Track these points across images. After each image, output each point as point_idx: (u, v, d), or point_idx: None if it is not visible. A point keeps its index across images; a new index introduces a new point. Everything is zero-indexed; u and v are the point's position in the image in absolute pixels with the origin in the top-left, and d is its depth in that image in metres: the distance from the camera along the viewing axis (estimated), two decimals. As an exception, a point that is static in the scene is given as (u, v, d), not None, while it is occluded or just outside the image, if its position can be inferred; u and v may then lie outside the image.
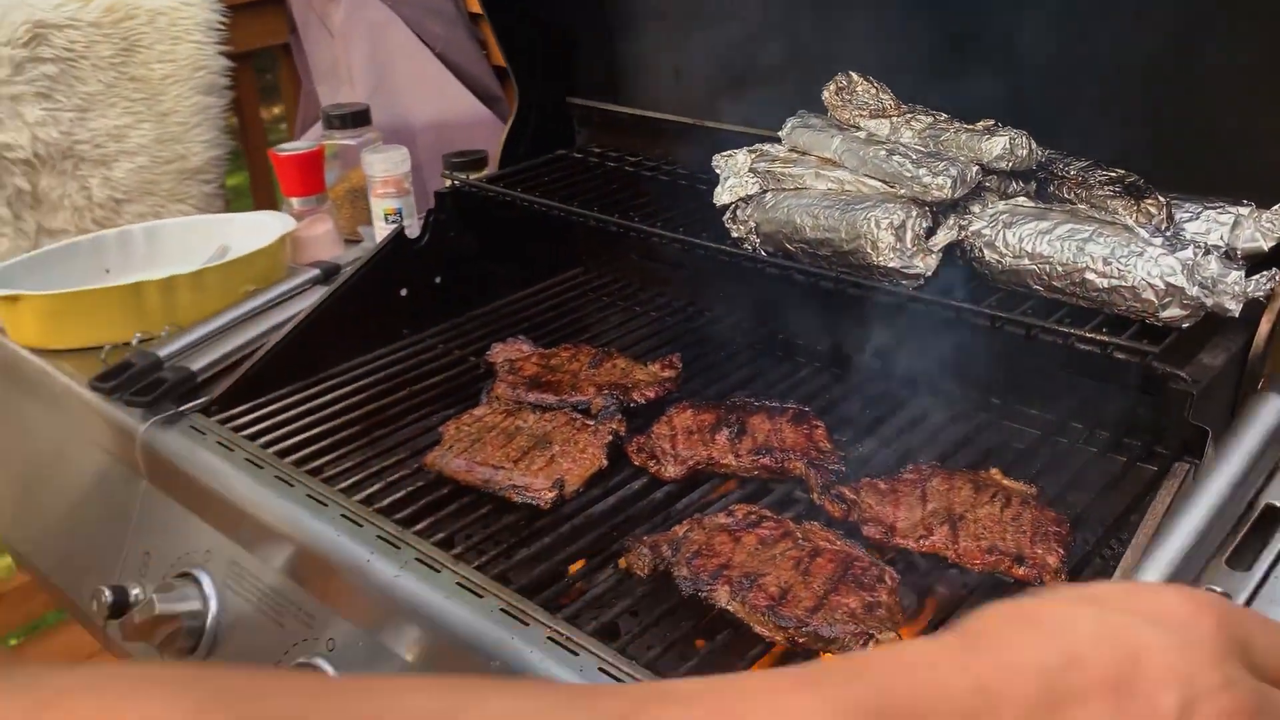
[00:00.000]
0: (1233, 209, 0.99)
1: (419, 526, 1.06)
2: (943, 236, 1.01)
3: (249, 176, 2.69)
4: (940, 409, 1.22)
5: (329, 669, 1.02)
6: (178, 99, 2.40)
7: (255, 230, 1.64)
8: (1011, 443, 1.17)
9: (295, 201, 1.71)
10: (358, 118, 1.85)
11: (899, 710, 0.44)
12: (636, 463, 1.13)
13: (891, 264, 1.01)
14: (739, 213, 1.16)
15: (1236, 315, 0.92)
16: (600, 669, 0.86)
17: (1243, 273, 0.91)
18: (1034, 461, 1.11)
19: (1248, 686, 0.46)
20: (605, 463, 1.12)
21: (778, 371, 1.33)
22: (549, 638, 0.89)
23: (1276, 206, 0.97)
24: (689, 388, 1.29)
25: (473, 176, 1.48)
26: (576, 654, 0.87)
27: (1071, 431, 1.17)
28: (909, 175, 1.02)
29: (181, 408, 1.27)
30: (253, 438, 1.22)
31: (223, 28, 2.39)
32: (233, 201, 2.68)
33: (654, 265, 1.53)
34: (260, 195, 2.63)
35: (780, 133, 1.20)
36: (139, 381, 1.30)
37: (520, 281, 1.60)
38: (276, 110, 3.54)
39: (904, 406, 1.24)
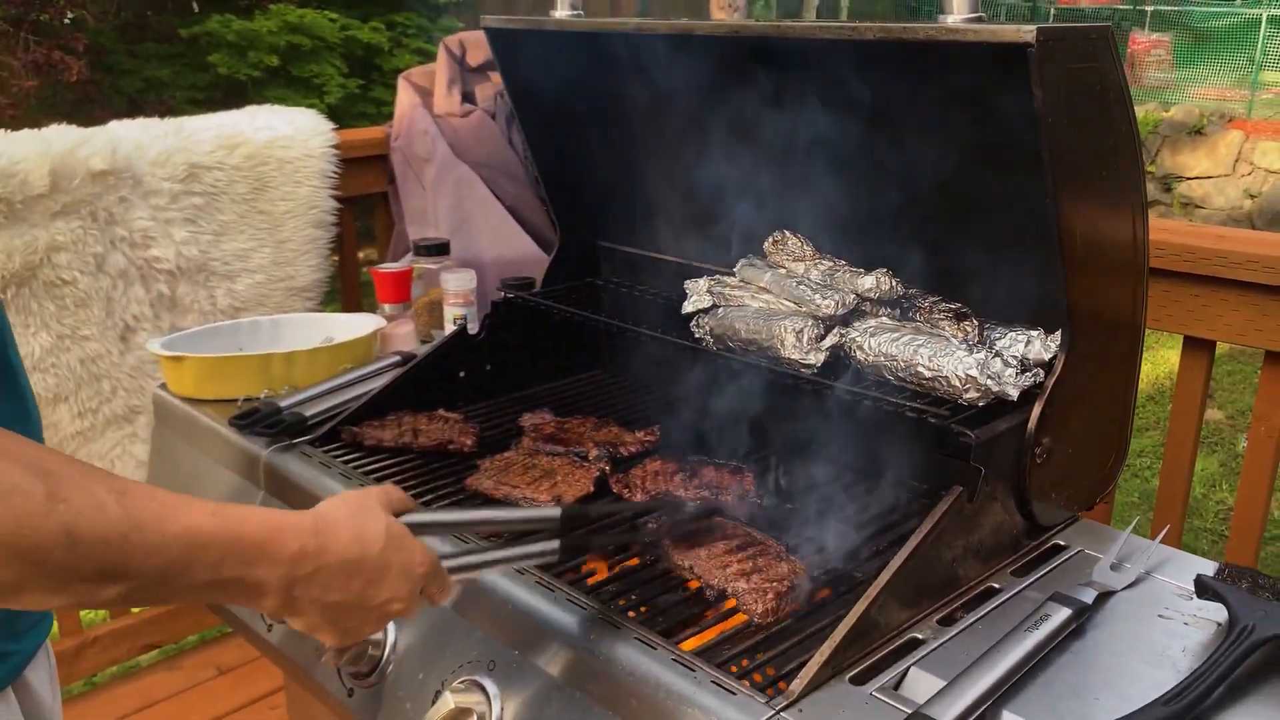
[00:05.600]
0: (1026, 332, 1.45)
1: (458, 520, 1.51)
2: (829, 340, 1.48)
3: (341, 295, 3.25)
4: (843, 473, 1.66)
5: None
6: (294, 230, 2.98)
7: (354, 327, 2.15)
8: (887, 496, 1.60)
9: (387, 307, 2.23)
10: (440, 248, 2.38)
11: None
12: (615, 490, 1.58)
13: (793, 356, 1.48)
14: (700, 320, 1.64)
15: (1015, 399, 1.37)
16: (569, 599, 1.30)
17: (1015, 370, 1.36)
18: (878, 500, 1.54)
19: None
20: (592, 489, 1.57)
21: (733, 440, 1.78)
22: (536, 582, 1.34)
23: (1054, 334, 1.43)
24: (665, 451, 1.74)
25: (521, 293, 1.99)
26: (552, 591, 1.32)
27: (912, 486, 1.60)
28: (808, 299, 1.50)
29: (295, 440, 1.76)
30: (346, 462, 1.69)
31: (335, 175, 2.98)
32: (326, 318, 3.23)
33: (652, 369, 2.01)
34: (349, 310, 3.17)
35: (734, 269, 1.70)
36: (265, 421, 1.79)
37: (553, 374, 2.09)
38: (362, 254, 4.16)
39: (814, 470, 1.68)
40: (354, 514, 1.05)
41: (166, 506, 0.89)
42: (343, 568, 1.01)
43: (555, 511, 1.26)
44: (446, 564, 1.16)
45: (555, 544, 1.23)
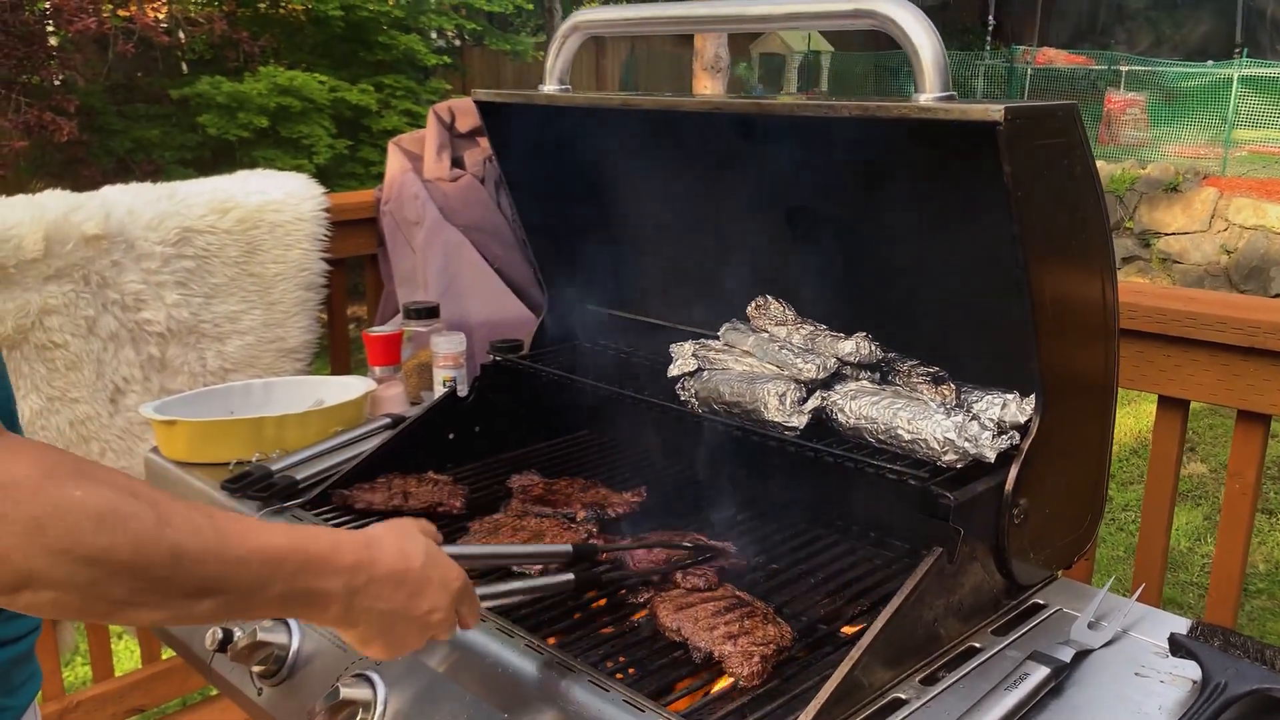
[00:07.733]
0: (1002, 396, 1.49)
1: (448, 582, 1.53)
2: (811, 403, 1.51)
3: (330, 355, 3.28)
4: (826, 535, 1.69)
5: (377, 677, 1.48)
6: (284, 292, 3.01)
7: (344, 389, 2.18)
8: (869, 557, 1.64)
9: (377, 370, 2.26)
10: (430, 311, 2.42)
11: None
12: (603, 556, 1.61)
13: (776, 419, 1.52)
14: (685, 383, 1.68)
15: (993, 461, 1.41)
16: (559, 662, 1.32)
17: (992, 433, 1.40)
18: (860, 561, 1.57)
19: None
20: (581, 551, 1.59)
21: (718, 502, 1.81)
22: (527, 646, 1.36)
23: (1029, 398, 1.47)
24: (651, 511, 1.77)
25: (509, 356, 2.02)
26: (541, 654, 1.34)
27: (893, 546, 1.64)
28: (790, 363, 1.54)
29: (286, 503, 1.78)
30: (337, 526, 1.71)
31: (325, 238, 3.02)
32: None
33: (639, 431, 2.04)
34: (338, 370, 3.20)
35: (718, 333, 1.74)
36: (257, 485, 1.81)
37: (541, 436, 2.11)
38: (350, 311, 4.21)
39: (798, 531, 1.71)
40: (397, 534, 1.16)
41: (248, 526, 1.00)
42: (391, 578, 1.11)
43: (567, 548, 1.47)
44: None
45: (570, 576, 1.42)
